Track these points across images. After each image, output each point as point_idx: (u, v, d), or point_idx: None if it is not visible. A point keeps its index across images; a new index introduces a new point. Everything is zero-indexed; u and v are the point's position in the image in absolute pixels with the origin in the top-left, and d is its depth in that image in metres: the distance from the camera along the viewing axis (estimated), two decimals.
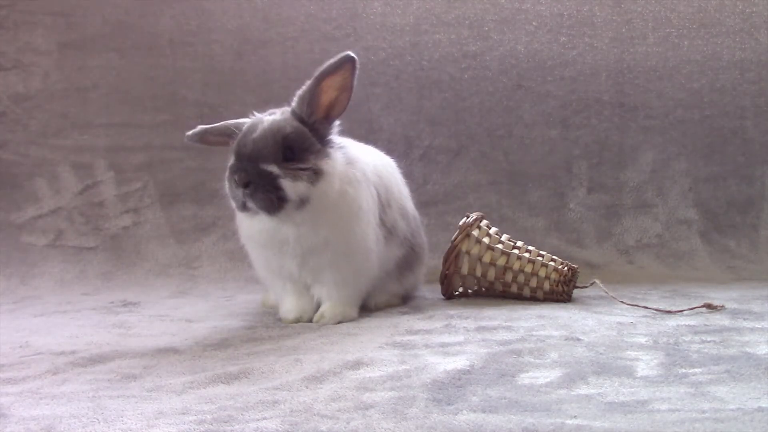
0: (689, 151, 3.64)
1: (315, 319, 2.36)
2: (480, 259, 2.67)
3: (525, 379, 1.66)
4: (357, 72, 2.24)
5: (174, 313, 2.61)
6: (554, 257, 2.70)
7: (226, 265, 3.40)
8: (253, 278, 3.30)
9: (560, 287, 2.64)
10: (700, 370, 1.69)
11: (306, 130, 2.24)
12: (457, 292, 2.76)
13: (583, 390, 1.57)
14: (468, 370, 1.72)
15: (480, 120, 3.66)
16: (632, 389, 1.56)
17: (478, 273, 2.69)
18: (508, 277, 2.66)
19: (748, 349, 1.86)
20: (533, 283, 2.64)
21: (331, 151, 2.27)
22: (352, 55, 2.23)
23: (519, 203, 3.58)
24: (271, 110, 2.34)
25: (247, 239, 2.39)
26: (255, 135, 2.18)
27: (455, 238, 2.69)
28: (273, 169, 2.14)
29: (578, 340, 2.01)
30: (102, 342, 2.14)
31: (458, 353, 1.89)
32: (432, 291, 2.85)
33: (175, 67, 3.73)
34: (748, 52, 3.64)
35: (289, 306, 2.39)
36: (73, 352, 2.02)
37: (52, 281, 3.30)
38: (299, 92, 2.28)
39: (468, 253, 2.68)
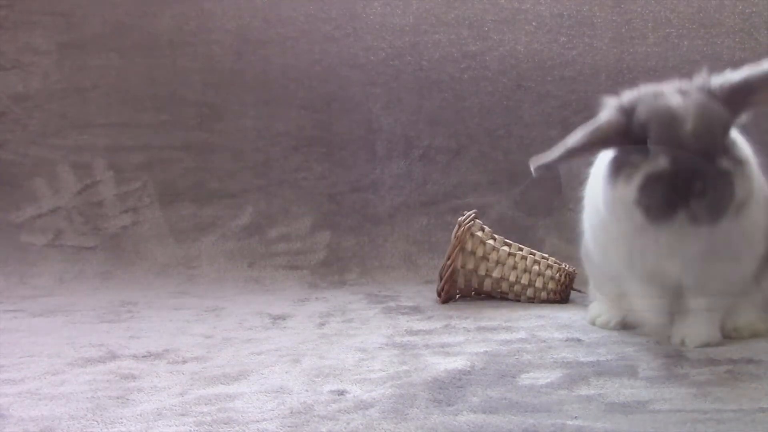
0: None
1: (675, 342, 1.94)
2: (475, 271, 2.68)
3: (526, 379, 1.66)
4: None
5: (173, 313, 2.61)
6: (551, 262, 2.70)
7: (226, 265, 3.40)
8: (253, 278, 3.31)
9: (557, 296, 2.66)
10: (700, 370, 1.69)
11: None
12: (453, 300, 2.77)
13: (584, 391, 1.57)
14: (468, 371, 1.72)
15: (480, 120, 3.66)
16: (633, 390, 1.56)
17: (475, 284, 2.70)
18: (504, 287, 2.68)
19: (748, 350, 1.86)
20: (530, 293, 2.65)
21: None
22: None
23: (519, 203, 3.58)
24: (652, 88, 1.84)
25: (630, 251, 1.88)
26: (692, 124, 1.71)
27: (450, 254, 2.67)
28: (728, 165, 1.72)
29: (579, 340, 2.01)
30: (101, 342, 2.14)
31: (458, 353, 1.89)
32: (432, 291, 2.85)
33: (175, 67, 3.72)
34: (748, 52, 3.63)
35: (648, 312, 1.97)
36: (71, 353, 2.02)
37: (51, 281, 3.30)
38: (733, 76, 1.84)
39: (463, 267, 2.68)
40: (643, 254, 1.85)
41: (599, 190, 1.88)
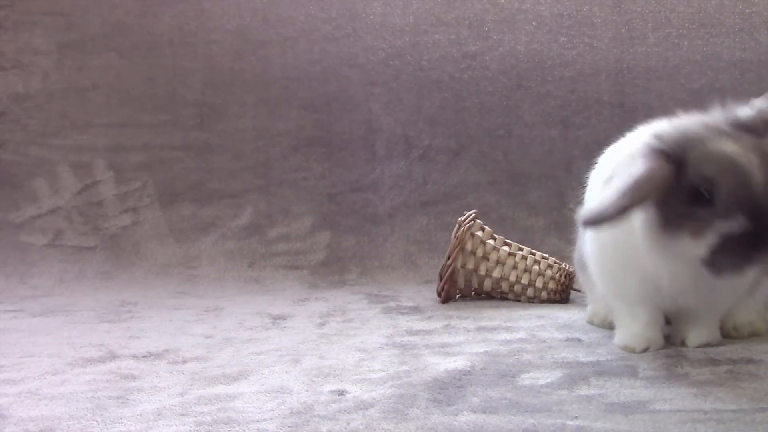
0: None
1: (675, 342, 1.93)
2: (476, 271, 2.68)
3: (526, 379, 1.66)
4: None
5: (173, 313, 2.61)
6: (551, 262, 2.70)
7: (226, 265, 3.40)
8: (253, 278, 3.31)
9: (558, 296, 2.66)
10: (700, 370, 1.69)
11: None
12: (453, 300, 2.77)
13: (584, 391, 1.57)
14: (468, 371, 1.72)
15: (480, 120, 3.66)
16: (633, 390, 1.56)
17: (475, 284, 2.71)
18: (505, 287, 2.68)
19: (747, 350, 1.86)
20: (530, 293, 2.65)
21: None
22: None
23: (519, 203, 3.58)
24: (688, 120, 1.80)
25: (645, 274, 1.81)
26: (765, 179, 1.61)
27: (450, 254, 2.67)
28: None
29: (579, 340, 2.01)
30: (101, 342, 2.14)
31: (458, 353, 1.89)
32: (432, 291, 2.85)
33: (175, 67, 3.72)
34: (748, 52, 3.63)
35: (637, 332, 1.91)
36: (71, 353, 2.02)
37: (51, 281, 3.30)
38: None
39: (463, 267, 2.68)
40: (641, 280, 1.81)
41: (640, 234, 1.74)
